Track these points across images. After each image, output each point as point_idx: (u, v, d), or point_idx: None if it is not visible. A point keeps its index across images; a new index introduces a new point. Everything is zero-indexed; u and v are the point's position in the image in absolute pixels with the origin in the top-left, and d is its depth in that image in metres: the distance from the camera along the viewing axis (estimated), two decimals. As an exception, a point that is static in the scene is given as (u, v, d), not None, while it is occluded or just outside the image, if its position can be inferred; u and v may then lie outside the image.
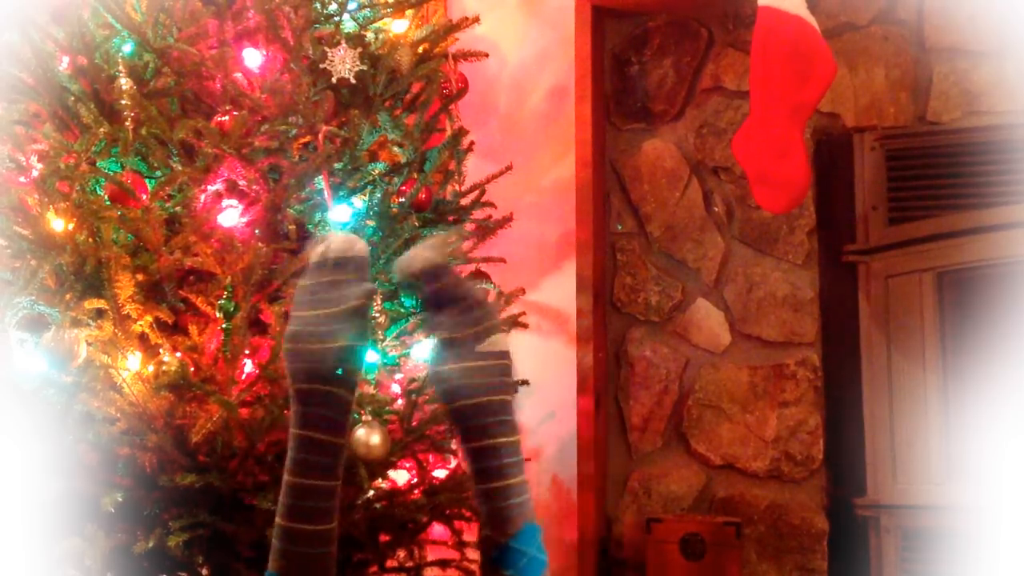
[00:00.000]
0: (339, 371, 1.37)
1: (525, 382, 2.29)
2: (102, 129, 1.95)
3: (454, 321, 1.44)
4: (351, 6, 2.22)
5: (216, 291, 1.87)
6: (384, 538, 2.09)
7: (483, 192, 2.39)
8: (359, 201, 2.11)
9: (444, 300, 1.45)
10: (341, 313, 1.37)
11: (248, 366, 1.90)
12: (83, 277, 1.89)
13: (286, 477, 1.38)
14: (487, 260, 2.37)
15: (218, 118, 1.96)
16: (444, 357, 1.43)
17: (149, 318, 1.86)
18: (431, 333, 1.46)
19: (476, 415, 1.40)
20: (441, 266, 1.45)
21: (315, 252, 1.43)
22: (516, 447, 1.42)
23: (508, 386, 1.43)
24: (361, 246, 1.44)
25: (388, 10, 2.25)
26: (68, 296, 1.88)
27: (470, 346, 1.42)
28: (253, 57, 2.05)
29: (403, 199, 2.15)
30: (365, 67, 2.03)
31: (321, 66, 2.01)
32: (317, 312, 1.38)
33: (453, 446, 2.15)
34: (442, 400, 1.44)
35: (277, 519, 1.37)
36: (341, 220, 2.03)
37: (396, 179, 2.17)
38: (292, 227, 1.99)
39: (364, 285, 1.41)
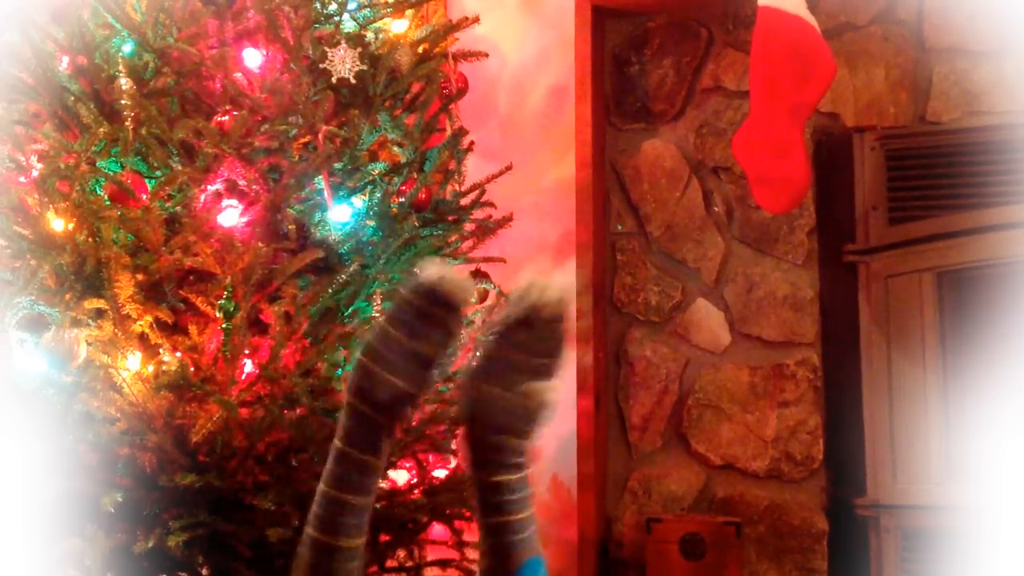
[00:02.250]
0: (395, 407, 1.36)
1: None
2: (102, 129, 1.95)
3: (526, 339, 1.37)
4: (351, 6, 2.22)
5: (216, 291, 1.87)
6: (384, 538, 2.09)
7: (483, 192, 2.39)
8: (359, 201, 2.11)
9: (539, 330, 1.37)
10: (418, 355, 1.35)
11: (248, 366, 1.90)
12: (83, 277, 1.89)
13: (322, 487, 1.36)
14: (487, 260, 2.37)
15: (218, 118, 1.96)
16: (492, 373, 1.36)
17: (149, 318, 1.86)
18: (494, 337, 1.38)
19: (494, 451, 1.36)
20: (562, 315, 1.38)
21: (427, 273, 1.38)
22: (524, 483, 1.39)
23: (532, 432, 1.39)
24: (468, 296, 1.40)
25: (388, 10, 2.25)
26: (68, 296, 1.88)
27: (521, 377, 1.36)
28: (253, 57, 2.05)
29: (403, 199, 2.15)
30: (365, 67, 2.03)
31: (321, 66, 2.01)
32: (400, 336, 1.35)
33: (453, 446, 2.15)
34: (465, 420, 1.39)
35: (309, 530, 1.36)
36: (341, 220, 2.04)
37: (396, 179, 2.17)
38: (292, 227, 1.99)
39: (450, 335, 1.37)
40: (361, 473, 1.36)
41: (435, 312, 1.37)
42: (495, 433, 1.36)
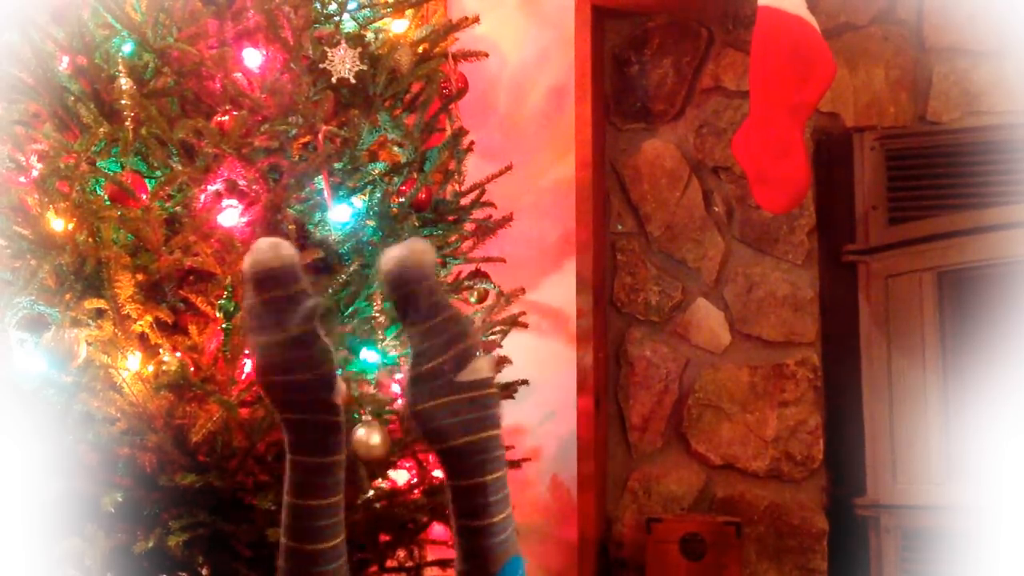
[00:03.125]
0: (313, 399, 1.31)
1: (525, 382, 2.29)
2: (102, 129, 1.94)
3: (427, 345, 1.29)
4: (351, 6, 2.22)
5: (216, 291, 1.87)
6: (384, 538, 2.09)
7: (483, 192, 2.38)
8: (359, 201, 2.11)
9: (412, 311, 1.30)
10: (289, 342, 1.28)
11: (248, 366, 1.90)
12: (83, 277, 1.89)
13: (285, 498, 1.35)
14: (487, 260, 2.37)
15: (218, 118, 1.96)
16: (421, 391, 1.30)
17: (149, 318, 1.86)
18: (407, 361, 1.33)
19: (465, 456, 1.31)
20: (413, 270, 1.29)
21: (245, 264, 1.30)
22: (503, 482, 1.34)
23: (495, 420, 1.33)
24: (287, 252, 1.30)
25: (388, 10, 2.25)
26: (68, 296, 1.88)
27: (448, 377, 1.30)
28: (253, 57, 2.04)
29: (403, 199, 2.15)
30: (365, 67, 2.03)
31: (321, 66, 2.01)
32: (269, 339, 1.29)
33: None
34: (426, 440, 1.34)
35: (282, 539, 1.34)
36: (341, 220, 2.04)
37: (396, 179, 2.17)
38: (292, 227, 1.99)
39: (305, 304, 1.29)
40: (317, 475, 1.33)
41: (271, 295, 1.29)
42: (456, 439, 1.31)
